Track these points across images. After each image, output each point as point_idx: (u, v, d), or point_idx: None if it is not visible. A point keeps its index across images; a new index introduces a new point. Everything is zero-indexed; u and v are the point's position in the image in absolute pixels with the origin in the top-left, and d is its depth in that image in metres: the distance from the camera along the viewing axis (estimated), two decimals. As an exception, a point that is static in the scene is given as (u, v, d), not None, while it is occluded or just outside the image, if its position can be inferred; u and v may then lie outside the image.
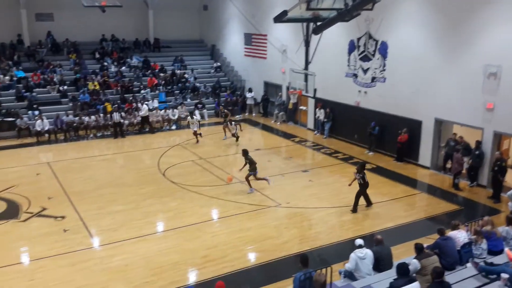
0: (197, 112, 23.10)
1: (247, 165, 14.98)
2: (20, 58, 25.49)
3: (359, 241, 8.90)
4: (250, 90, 27.16)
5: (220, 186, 15.64)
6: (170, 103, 25.62)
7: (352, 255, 8.65)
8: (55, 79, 24.75)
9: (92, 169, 17.46)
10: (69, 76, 25.50)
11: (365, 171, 13.71)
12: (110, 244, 11.65)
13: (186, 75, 28.10)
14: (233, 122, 21.40)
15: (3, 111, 22.01)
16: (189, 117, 22.08)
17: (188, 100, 26.47)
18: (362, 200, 13.60)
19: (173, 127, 24.07)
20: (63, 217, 13.12)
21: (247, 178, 14.94)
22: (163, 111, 24.31)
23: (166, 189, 15.42)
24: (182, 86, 27.23)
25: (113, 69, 26.94)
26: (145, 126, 23.16)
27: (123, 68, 27.31)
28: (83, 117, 22.46)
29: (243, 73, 28.91)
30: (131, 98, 24.63)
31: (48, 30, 27.03)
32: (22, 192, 14.95)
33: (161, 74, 27.54)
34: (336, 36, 20.45)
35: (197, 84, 27.78)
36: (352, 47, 20.26)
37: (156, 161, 18.30)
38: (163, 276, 10.15)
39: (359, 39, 19.81)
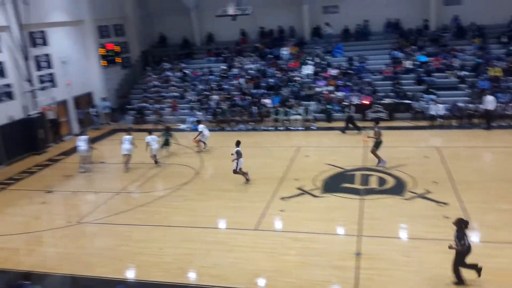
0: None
1: None
2: (425, 43, 26.42)
3: None
4: None
5: None
6: None
7: None
8: (455, 64, 24.48)
9: (482, 160, 16.52)
10: (470, 61, 24.67)
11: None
12: (489, 243, 10.79)
13: None
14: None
15: (401, 93, 23.51)
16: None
17: None
18: None
19: None
20: (445, 204, 13.01)
21: None
22: None
23: None
24: None
25: (521, 53, 24.30)
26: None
27: (534, 52, 24.20)
28: (478, 105, 21.41)
29: None
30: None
31: (455, 14, 26.77)
32: (409, 171, 15.69)
33: None
34: None
35: None
36: None
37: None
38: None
39: None
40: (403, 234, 11.79)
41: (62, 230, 13.30)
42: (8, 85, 20.13)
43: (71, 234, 12.99)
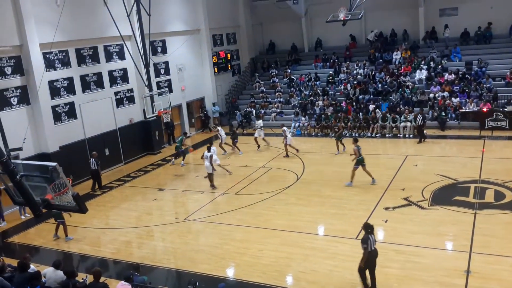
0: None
1: None
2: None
3: None
4: None
5: None
6: None
7: None
8: None
9: None
10: None
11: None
12: None
13: None
14: None
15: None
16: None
17: None
18: None
19: None
20: None
21: None
22: None
23: None
24: None
25: None
26: None
27: None
28: None
29: None
30: None
31: None
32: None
33: None
34: None
35: None
36: None
37: None
38: None
39: None
40: (524, 254, 10.65)
41: (170, 226, 14.13)
42: (130, 90, 21.96)
43: (178, 230, 13.74)
